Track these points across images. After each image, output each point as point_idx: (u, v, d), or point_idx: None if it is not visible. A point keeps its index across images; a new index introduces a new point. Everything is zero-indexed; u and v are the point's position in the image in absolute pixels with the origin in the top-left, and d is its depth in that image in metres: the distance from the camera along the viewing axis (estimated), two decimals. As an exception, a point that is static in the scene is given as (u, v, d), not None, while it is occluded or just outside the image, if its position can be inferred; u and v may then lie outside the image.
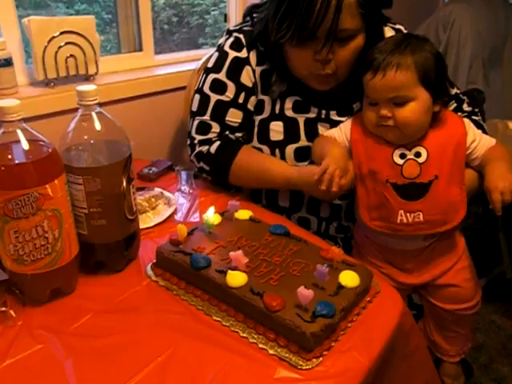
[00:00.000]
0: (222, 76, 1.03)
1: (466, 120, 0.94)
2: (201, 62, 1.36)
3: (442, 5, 2.47)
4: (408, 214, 0.88)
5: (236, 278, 0.71)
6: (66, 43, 1.20)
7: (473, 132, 0.93)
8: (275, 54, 0.98)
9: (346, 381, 0.62)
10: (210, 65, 1.07)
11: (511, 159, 0.89)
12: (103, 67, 1.35)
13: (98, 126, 0.72)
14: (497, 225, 1.81)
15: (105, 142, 0.74)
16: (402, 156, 0.88)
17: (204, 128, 1.05)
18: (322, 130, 1.01)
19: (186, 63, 1.55)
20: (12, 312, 0.68)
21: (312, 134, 1.01)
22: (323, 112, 1.02)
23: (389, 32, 1.05)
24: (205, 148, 1.04)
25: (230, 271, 0.71)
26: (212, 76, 1.05)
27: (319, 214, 1.06)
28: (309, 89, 1.00)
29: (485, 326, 1.79)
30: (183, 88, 1.40)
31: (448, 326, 1.04)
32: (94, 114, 0.72)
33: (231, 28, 1.08)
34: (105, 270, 0.79)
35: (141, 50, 1.53)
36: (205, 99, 1.05)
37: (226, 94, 1.03)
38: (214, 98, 1.04)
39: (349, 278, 0.73)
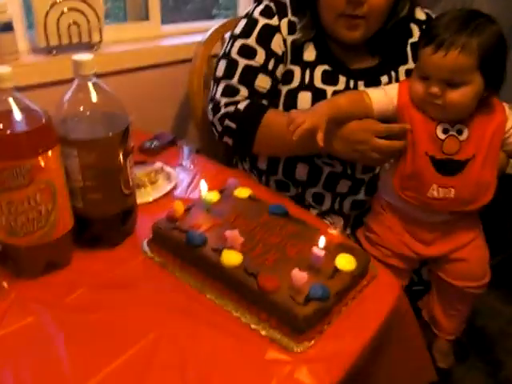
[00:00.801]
0: (251, 42, 1.02)
1: (506, 105, 0.93)
2: (208, 33, 1.32)
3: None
4: (440, 189, 0.88)
5: (231, 258, 0.70)
6: (69, 9, 1.18)
7: None
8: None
9: (336, 364, 0.62)
10: (237, 31, 1.05)
11: None
12: (108, 36, 1.32)
13: (94, 97, 0.70)
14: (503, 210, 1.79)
15: (101, 114, 0.72)
16: (445, 131, 0.88)
17: (231, 91, 1.02)
18: None
19: (194, 34, 1.50)
20: (5, 284, 0.68)
21: None
22: (351, 82, 1.01)
23: (419, 13, 1.07)
24: (232, 108, 1.00)
25: (225, 250, 0.70)
26: (241, 41, 1.03)
27: (335, 190, 1.05)
28: (337, 59, 1.00)
29: (484, 311, 1.79)
30: (190, 60, 1.36)
31: (452, 303, 1.04)
32: (90, 84, 0.70)
33: None
34: (101, 244, 0.78)
35: (147, 18, 1.49)
36: (232, 64, 1.03)
37: (256, 59, 1.01)
38: (242, 62, 1.02)
39: (345, 262, 0.71)
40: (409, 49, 1.05)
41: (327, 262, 0.70)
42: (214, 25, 1.34)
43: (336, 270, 0.70)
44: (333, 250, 0.74)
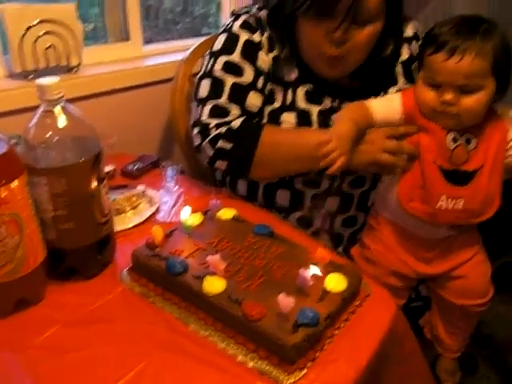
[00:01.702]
0: (235, 58, 0.95)
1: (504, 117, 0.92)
2: (189, 51, 1.30)
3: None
4: (449, 200, 0.86)
5: (213, 285, 0.66)
6: (46, 32, 1.15)
7: None
8: (288, 30, 0.92)
9: (331, 395, 0.58)
10: (216, 47, 0.99)
11: None
12: (88, 58, 1.30)
13: (62, 122, 0.67)
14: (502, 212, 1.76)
15: (71, 140, 0.69)
16: (455, 140, 0.86)
17: (221, 111, 0.94)
18: None
19: (177, 53, 1.48)
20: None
21: (325, 126, 0.94)
22: (336, 101, 0.97)
23: (406, 29, 1.02)
24: (224, 128, 0.92)
25: (207, 277, 0.66)
26: (223, 58, 0.96)
27: (323, 210, 1.01)
28: (321, 77, 0.95)
29: (489, 319, 1.75)
30: (172, 79, 1.34)
31: (454, 321, 1.01)
32: (57, 109, 0.67)
33: (237, 11, 1.02)
34: (77, 276, 0.74)
35: (128, 39, 1.47)
36: (218, 82, 0.95)
37: (244, 76, 0.95)
38: (229, 80, 0.95)
39: (335, 282, 0.67)
40: (399, 69, 1.01)
41: (316, 284, 0.66)
42: (196, 42, 1.32)
43: (326, 292, 0.66)
44: (322, 269, 0.70)
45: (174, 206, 0.96)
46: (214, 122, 0.93)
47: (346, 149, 0.81)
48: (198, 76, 1.01)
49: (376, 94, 0.94)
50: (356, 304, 0.70)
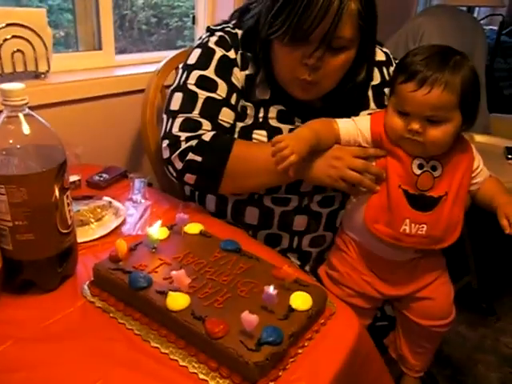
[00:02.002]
0: (209, 73, 0.95)
1: (472, 145, 0.94)
2: (162, 63, 1.30)
3: (413, 17, 2.49)
4: (413, 225, 0.87)
5: (177, 301, 0.64)
6: (13, 36, 1.12)
7: (478, 158, 0.93)
8: (262, 53, 0.93)
9: (291, 416, 0.57)
10: (191, 61, 0.98)
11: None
12: (58, 65, 1.27)
13: (26, 129, 0.65)
14: (463, 235, 1.81)
15: (34, 148, 0.67)
16: (420, 167, 0.87)
17: (192, 125, 0.92)
18: None
19: (150, 65, 1.47)
20: None
21: None
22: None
23: (378, 54, 1.04)
24: (195, 141, 0.90)
25: (170, 292, 0.65)
26: (197, 72, 0.95)
27: (292, 228, 1.00)
28: (293, 99, 0.95)
29: (451, 338, 1.78)
30: (143, 91, 1.33)
31: (419, 341, 1.02)
32: (21, 115, 0.65)
33: (212, 27, 1.02)
34: (34, 289, 0.71)
35: (100, 48, 1.45)
36: (191, 96, 0.94)
37: (218, 92, 0.94)
38: (203, 95, 0.94)
39: (300, 300, 0.67)
40: (370, 93, 1.03)
41: (281, 301, 0.65)
42: (169, 55, 1.31)
43: (291, 310, 0.66)
44: (287, 287, 0.70)
45: (140, 218, 0.94)
46: (184, 135, 0.92)
47: (298, 148, 0.80)
48: (171, 88, 1.00)
49: (347, 117, 0.94)
50: (321, 322, 0.69)
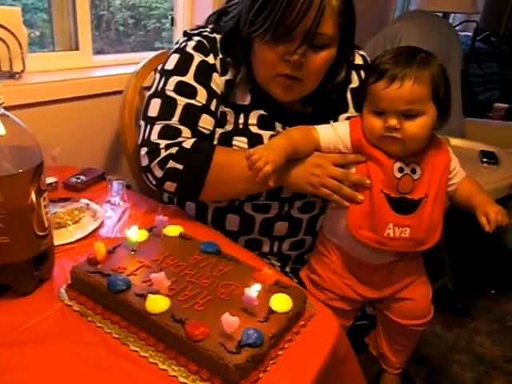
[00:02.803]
0: (188, 79, 0.93)
1: (448, 146, 0.95)
2: (140, 64, 1.29)
3: (391, 21, 2.53)
4: (396, 228, 0.87)
5: (156, 303, 0.64)
6: (-14, 35, 1.10)
7: (455, 159, 0.94)
8: (243, 53, 0.92)
9: (272, 417, 0.57)
10: (169, 67, 0.96)
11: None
12: (33, 65, 1.25)
13: (1, 129, 0.64)
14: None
15: (10, 149, 0.65)
16: (401, 170, 0.88)
17: (172, 132, 0.91)
18: None
19: (128, 66, 1.46)
20: None
21: None
22: (287, 128, 0.96)
23: (356, 57, 1.05)
24: (175, 149, 0.89)
25: (150, 295, 0.64)
26: (176, 78, 0.94)
27: (273, 234, 1.00)
28: (274, 103, 0.94)
29: (427, 338, 1.81)
30: (122, 92, 1.31)
31: (398, 339, 1.03)
32: (-4, 116, 0.63)
33: (189, 31, 1.00)
34: (10, 293, 0.69)
35: (77, 48, 1.43)
36: (169, 102, 0.93)
37: (197, 98, 0.93)
38: (182, 101, 0.92)
39: (281, 302, 0.67)
40: (349, 96, 1.03)
41: (261, 304, 0.66)
42: (147, 56, 1.30)
43: (271, 312, 0.66)
44: (267, 289, 0.70)
45: (118, 221, 0.93)
46: (164, 142, 0.90)
47: (272, 158, 0.79)
48: (149, 94, 0.98)
49: (326, 121, 0.95)
50: (300, 324, 0.70)
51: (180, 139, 0.91)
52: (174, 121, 0.92)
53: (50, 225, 0.72)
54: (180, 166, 0.89)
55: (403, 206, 0.88)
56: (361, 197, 0.88)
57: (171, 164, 0.89)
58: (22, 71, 1.19)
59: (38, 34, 1.44)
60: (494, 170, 1.72)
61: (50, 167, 0.89)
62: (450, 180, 0.94)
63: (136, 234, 0.76)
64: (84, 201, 0.97)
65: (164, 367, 0.61)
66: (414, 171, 0.88)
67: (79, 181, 1.06)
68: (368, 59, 1.09)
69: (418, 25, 2.05)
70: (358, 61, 1.06)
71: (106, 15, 1.60)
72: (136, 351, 0.63)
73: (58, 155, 1.05)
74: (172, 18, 1.76)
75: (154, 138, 0.91)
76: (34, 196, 0.67)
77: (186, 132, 0.91)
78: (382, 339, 1.04)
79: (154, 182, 0.93)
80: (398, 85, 0.82)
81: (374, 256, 0.93)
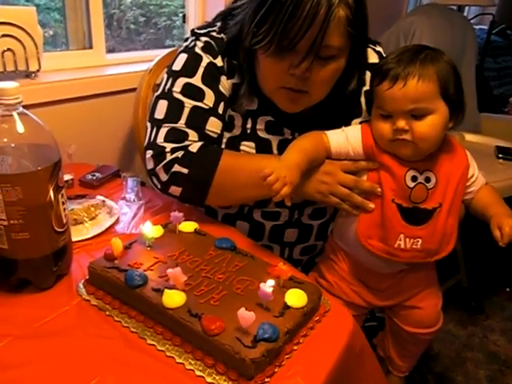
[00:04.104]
0: (196, 81, 0.91)
1: (468, 152, 0.91)
2: (153, 62, 1.30)
3: (405, 15, 2.51)
4: (407, 240, 0.85)
5: (173, 298, 0.65)
6: (4, 35, 1.12)
7: (473, 166, 0.91)
8: (247, 62, 0.89)
9: (288, 411, 0.57)
10: (177, 67, 0.94)
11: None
12: (48, 64, 1.27)
13: (20, 128, 0.65)
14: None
15: (28, 147, 0.66)
16: (414, 179, 0.84)
17: (178, 135, 0.89)
18: None
19: (141, 63, 1.47)
20: None
21: None
22: (296, 135, 0.94)
23: (371, 55, 1.00)
24: (181, 153, 0.87)
25: (166, 290, 0.65)
26: (183, 80, 0.91)
27: (283, 240, 1.00)
28: (281, 111, 0.91)
29: (440, 335, 1.80)
30: (135, 90, 1.32)
31: (406, 345, 1.03)
32: (15, 114, 0.64)
33: (197, 30, 0.97)
34: (30, 288, 0.71)
35: (91, 47, 1.45)
36: (176, 105, 0.90)
37: (204, 101, 0.90)
38: (189, 104, 0.90)
39: (296, 298, 0.68)
40: (363, 99, 0.99)
41: (276, 299, 0.66)
42: (160, 54, 1.31)
43: (286, 307, 0.66)
44: (282, 285, 0.70)
45: (133, 217, 0.94)
46: (170, 146, 0.88)
47: (289, 178, 0.78)
48: (156, 95, 0.96)
49: (337, 126, 0.92)
50: (315, 319, 0.70)
51: (187, 143, 0.89)
52: (181, 124, 0.90)
53: (67, 221, 0.74)
54: (185, 170, 0.87)
55: (415, 216, 0.84)
56: (372, 205, 0.86)
57: (176, 168, 0.87)
58: (38, 70, 1.21)
59: (51, 33, 1.45)
60: (510, 166, 1.70)
61: (66, 164, 0.90)
62: (468, 188, 0.90)
63: (152, 230, 0.77)
64: (100, 197, 0.98)
65: (181, 361, 0.61)
66: (428, 180, 0.85)
67: (95, 178, 1.08)
68: (384, 56, 1.03)
69: (431, 18, 2.03)
70: (373, 59, 1.01)
71: (116, 14, 1.62)
72: (153, 345, 0.64)
73: (73, 153, 1.06)
74: (184, 16, 1.76)
75: (159, 140, 0.90)
76: (52, 193, 0.68)
77: (192, 135, 0.90)
78: (390, 343, 1.04)
79: (158, 186, 0.91)
80: (401, 84, 0.79)
81: (384, 265, 0.91)
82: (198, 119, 0.90)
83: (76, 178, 1.07)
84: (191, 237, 0.82)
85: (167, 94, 0.92)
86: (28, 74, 1.20)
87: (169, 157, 0.88)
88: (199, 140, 0.90)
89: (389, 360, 1.06)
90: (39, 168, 0.66)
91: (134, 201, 1.00)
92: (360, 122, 0.96)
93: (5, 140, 0.64)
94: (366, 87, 0.99)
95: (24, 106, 0.67)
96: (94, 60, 1.44)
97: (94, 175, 1.09)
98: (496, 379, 1.65)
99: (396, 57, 0.82)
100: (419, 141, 0.81)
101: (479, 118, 2.30)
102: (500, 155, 1.75)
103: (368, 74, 0.98)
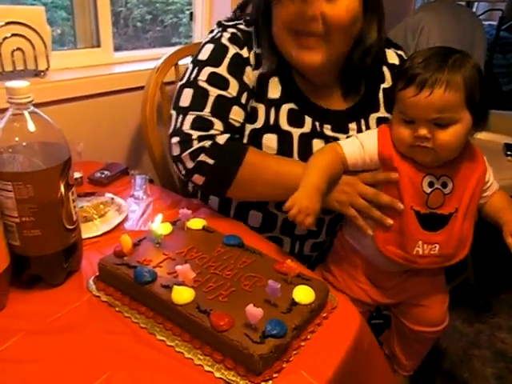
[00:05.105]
0: (222, 71, 0.93)
1: (484, 157, 0.90)
2: (161, 60, 1.30)
3: (413, 12, 2.50)
4: (425, 246, 0.84)
5: (182, 294, 0.65)
6: (13, 35, 1.12)
7: (490, 171, 0.90)
8: (262, 19, 0.92)
9: (295, 406, 0.58)
10: (203, 57, 0.96)
11: None
12: (57, 63, 1.28)
13: (31, 127, 0.66)
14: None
15: (39, 145, 0.67)
16: (431, 184, 0.83)
17: (204, 123, 0.90)
18: (316, 146, 0.95)
19: (148, 61, 1.48)
20: None
21: (306, 150, 0.94)
22: (317, 124, 0.96)
23: (392, 56, 1.02)
24: (208, 143, 0.89)
25: (175, 286, 0.66)
26: (209, 69, 0.93)
27: (294, 233, 1.00)
28: (304, 96, 0.94)
29: (447, 332, 1.80)
30: (143, 88, 1.33)
31: (411, 343, 1.03)
32: (26, 113, 0.65)
33: (224, 22, 1.00)
34: (41, 284, 0.72)
35: (99, 45, 1.46)
36: (201, 93, 0.92)
37: (229, 90, 0.92)
38: (214, 92, 0.92)
39: (303, 294, 0.68)
40: (381, 95, 1.01)
41: (284, 295, 0.67)
42: (168, 52, 1.32)
43: (294, 303, 0.67)
44: (290, 281, 0.71)
45: (142, 214, 0.95)
46: (196, 133, 0.90)
47: (311, 209, 0.79)
48: (180, 83, 0.97)
49: (357, 119, 0.92)
50: (323, 316, 0.71)
51: (213, 132, 0.90)
52: (206, 112, 0.91)
53: (78, 218, 0.74)
54: (211, 161, 0.89)
55: (432, 222, 0.84)
56: (390, 221, 0.84)
57: (202, 157, 0.89)
58: (47, 69, 1.22)
59: (59, 32, 1.46)
60: (519, 164, 1.69)
61: (75, 162, 0.90)
62: (483, 192, 0.89)
63: (160, 227, 0.77)
64: (109, 195, 0.99)
65: (190, 356, 0.62)
66: (444, 185, 0.84)
67: (103, 176, 1.09)
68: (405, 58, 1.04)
69: (439, 15, 2.01)
70: (393, 60, 1.02)
71: (123, 12, 1.62)
72: (162, 341, 0.64)
73: (82, 151, 1.07)
74: (191, 13, 1.77)
75: (186, 128, 0.91)
76: (63, 190, 0.69)
77: (218, 124, 0.91)
78: (395, 341, 1.04)
79: (183, 172, 0.93)
80: (428, 92, 0.76)
81: (393, 264, 0.90)
82: (222, 108, 0.92)
83: (85, 175, 1.08)
84: (199, 234, 0.82)
85: (193, 83, 0.94)
86: (37, 73, 1.21)
87: (195, 145, 0.89)
88: (224, 129, 0.92)
89: (394, 358, 1.07)
90: (50, 166, 0.67)
91: (142, 198, 1.01)
92: (378, 118, 0.98)
93: (16, 139, 0.65)
94: (385, 85, 1.00)
95: (34, 105, 0.68)
96: (102, 58, 1.45)
97: (102, 173, 1.10)
98: (503, 377, 1.65)
99: (423, 61, 0.79)
100: (440, 149, 0.80)
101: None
102: (508, 152, 1.74)
103: (387, 73, 1.01)
